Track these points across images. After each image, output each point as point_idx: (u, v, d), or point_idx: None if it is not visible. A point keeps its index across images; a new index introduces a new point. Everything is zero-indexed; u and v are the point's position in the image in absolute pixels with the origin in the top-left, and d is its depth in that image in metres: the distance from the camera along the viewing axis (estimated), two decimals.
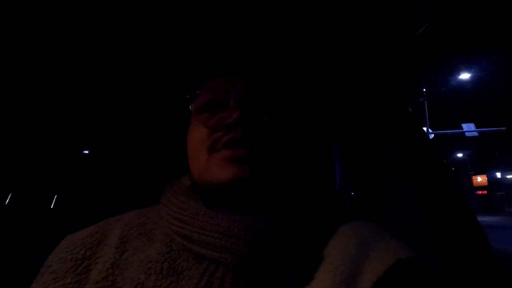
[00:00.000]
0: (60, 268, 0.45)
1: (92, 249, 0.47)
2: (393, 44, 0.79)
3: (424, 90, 14.28)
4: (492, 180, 29.63)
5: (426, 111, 13.40)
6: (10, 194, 1.74)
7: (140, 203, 0.58)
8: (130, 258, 0.45)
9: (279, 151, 0.49)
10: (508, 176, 28.85)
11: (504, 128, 12.99)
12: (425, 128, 13.05)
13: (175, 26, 0.60)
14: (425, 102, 13.73)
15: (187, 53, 0.63)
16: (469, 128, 14.01)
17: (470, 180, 30.19)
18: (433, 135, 13.23)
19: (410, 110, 0.73)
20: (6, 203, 1.74)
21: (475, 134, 14.32)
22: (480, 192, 30.72)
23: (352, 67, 0.75)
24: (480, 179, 30.34)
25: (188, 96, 0.51)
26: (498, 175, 29.39)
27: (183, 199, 0.48)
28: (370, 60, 0.77)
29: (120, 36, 0.69)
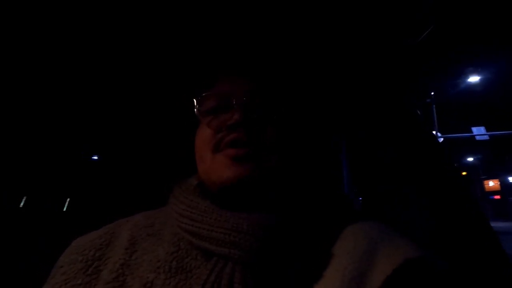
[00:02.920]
0: (71, 269, 0.46)
1: (101, 250, 0.48)
2: (396, 44, 0.81)
3: (433, 93, 14.09)
4: (505, 185, 28.84)
5: (435, 114, 13.21)
6: (25, 197, 1.79)
7: (150, 205, 0.60)
8: (139, 258, 0.46)
9: (283, 150, 0.50)
10: None
11: None
12: (434, 132, 12.82)
13: (179, 32, 0.63)
14: (434, 105, 13.54)
15: (192, 56, 0.64)
16: (479, 131, 13.73)
17: (482, 185, 29.44)
18: (442, 139, 13.00)
19: (417, 111, 0.74)
20: (21, 206, 1.79)
21: (486, 137, 14.02)
22: (494, 197, 29.90)
23: (356, 66, 0.76)
24: (492, 183, 29.58)
25: (194, 99, 0.52)
26: (511, 179, 28.60)
27: (191, 198, 0.49)
28: (374, 59, 0.77)
29: (128, 43, 0.72)
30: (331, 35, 0.68)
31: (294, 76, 0.62)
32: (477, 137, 14.01)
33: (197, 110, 0.52)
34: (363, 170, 0.80)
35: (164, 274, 0.43)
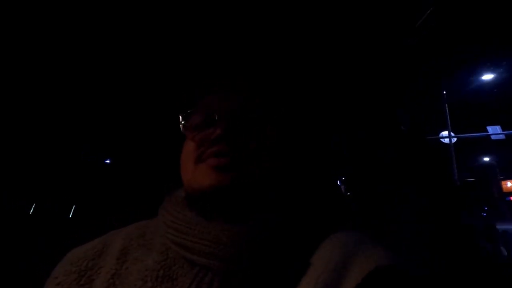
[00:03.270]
0: (65, 280, 0.49)
1: (94, 260, 0.51)
2: (397, 44, 0.79)
3: (444, 92, 13.84)
4: None
5: (447, 114, 12.96)
6: (34, 204, 1.84)
7: (154, 212, 0.61)
8: (130, 268, 0.48)
9: (269, 161, 0.51)
10: None
11: None
12: (446, 132, 12.59)
13: (170, 49, 0.64)
14: (446, 105, 13.30)
15: (180, 73, 0.65)
16: (494, 130, 13.40)
17: (499, 185, 28.54)
18: (455, 139, 12.74)
19: (401, 127, 0.73)
20: (31, 212, 1.84)
21: (502, 137, 13.67)
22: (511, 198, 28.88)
23: (354, 67, 0.75)
24: (510, 184, 28.64)
25: (180, 116, 0.54)
26: None
27: (178, 209, 0.51)
28: (373, 60, 0.77)
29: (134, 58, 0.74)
30: (329, 38, 0.68)
31: (281, 91, 0.63)
32: (493, 137, 13.68)
33: (183, 125, 0.54)
34: (363, 170, 0.79)
35: (151, 282, 0.45)
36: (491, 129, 13.62)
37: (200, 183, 0.48)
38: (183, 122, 0.54)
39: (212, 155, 0.48)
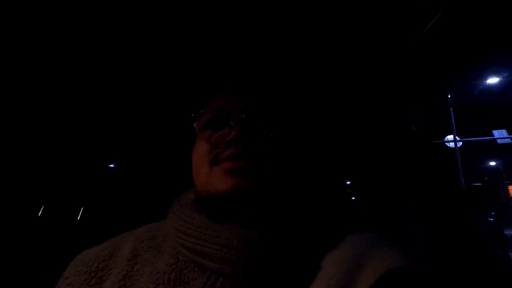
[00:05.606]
0: (76, 280, 0.49)
1: (105, 262, 0.51)
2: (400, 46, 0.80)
3: (450, 96, 13.73)
4: None
5: (453, 117, 12.85)
6: (43, 206, 1.85)
7: (161, 216, 0.61)
8: (141, 270, 0.48)
9: (278, 163, 0.51)
10: None
11: None
12: (451, 136, 12.48)
13: (180, 50, 0.65)
14: (451, 108, 13.19)
15: (192, 73, 0.66)
16: (500, 134, 13.24)
17: (506, 191, 28.12)
18: (461, 143, 12.62)
19: (412, 127, 0.73)
20: (39, 215, 1.85)
21: (508, 141, 13.50)
22: None
23: (356, 77, 0.76)
24: None
25: (192, 115, 0.54)
26: None
27: (188, 213, 0.51)
28: (375, 70, 0.77)
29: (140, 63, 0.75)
30: (327, 51, 0.69)
31: (292, 91, 0.63)
32: (499, 141, 13.52)
33: (195, 125, 0.54)
34: (369, 178, 0.79)
35: (163, 286, 0.45)
36: (497, 133, 13.47)
37: (216, 187, 0.48)
38: (195, 122, 0.54)
39: (228, 158, 0.48)
